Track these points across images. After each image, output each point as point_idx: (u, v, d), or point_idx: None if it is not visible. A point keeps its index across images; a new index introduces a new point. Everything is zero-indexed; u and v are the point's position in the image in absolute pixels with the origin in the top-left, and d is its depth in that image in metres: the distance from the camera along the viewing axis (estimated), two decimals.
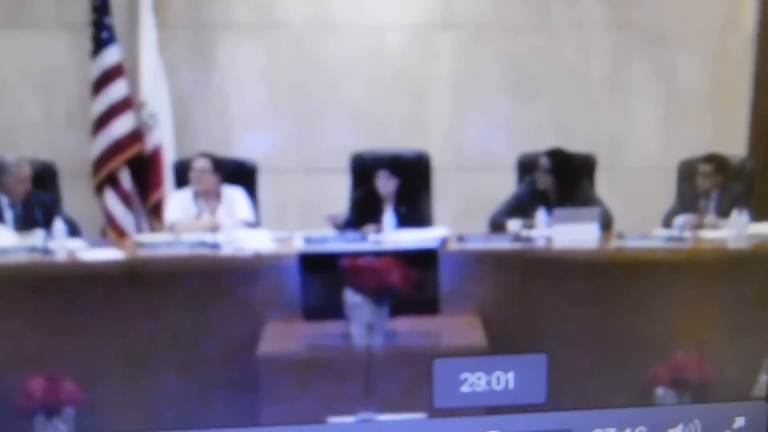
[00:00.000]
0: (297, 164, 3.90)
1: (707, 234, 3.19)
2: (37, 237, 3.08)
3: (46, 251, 2.94)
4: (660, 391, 2.34)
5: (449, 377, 2.11)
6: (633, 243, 2.99)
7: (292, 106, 3.90)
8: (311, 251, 2.96)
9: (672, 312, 2.52)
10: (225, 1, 3.83)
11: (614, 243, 3.04)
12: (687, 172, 3.48)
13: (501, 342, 2.61)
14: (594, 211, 3.13)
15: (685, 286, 2.58)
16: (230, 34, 3.86)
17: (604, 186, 3.54)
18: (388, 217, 3.26)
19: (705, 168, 3.38)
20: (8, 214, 3.24)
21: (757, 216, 3.06)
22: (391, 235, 3.17)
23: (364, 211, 3.38)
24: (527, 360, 2.12)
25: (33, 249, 2.97)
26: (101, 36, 3.72)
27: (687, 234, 3.08)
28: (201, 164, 3.38)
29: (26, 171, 3.30)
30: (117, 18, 3.73)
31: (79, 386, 2.43)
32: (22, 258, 2.92)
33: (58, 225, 3.02)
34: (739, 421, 2.09)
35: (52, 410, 2.37)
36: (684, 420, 2.08)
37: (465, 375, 2.11)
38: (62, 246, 2.97)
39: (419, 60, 3.92)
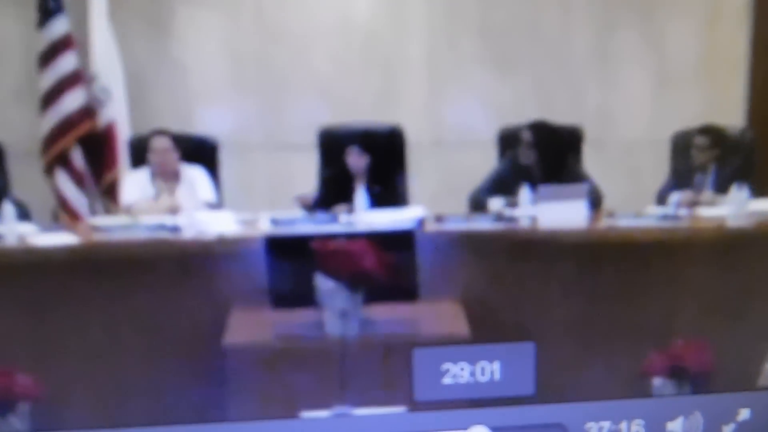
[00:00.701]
0: (261, 141, 3.81)
1: (704, 211, 3.14)
2: None
3: None
4: (657, 381, 2.27)
5: (430, 368, 2.04)
6: (624, 222, 2.95)
7: (255, 78, 3.79)
8: (278, 234, 2.93)
9: (668, 296, 2.48)
10: None
11: (604, 222, 3.00)
12: (681, 146, 3.42)
13: (485, 330, 2.52)
14: (581, 187, 3.08)
15: (682, 268, 2.54)
16: (187, 1, 3.74)
17: (591, 161, 3.47)
18: (360, 196, 3.21)
19: (700, 140, 3.32)
20: None
21: (758, 191, 3.01)
22: (364, 216, 3.13)
23: (334, 190, 3.32)
24: (513, 349, 2.04)
25: None
26: (48, 5, 3.59)
27: (683, 212, 3.05)
28: (159, 143, 3.32)
29: None
30: None
31: (34, 380, 2.33)
32: None
33: (7, 208, 2.97)
34: (744, 413, 2.02)
35: (5, 405, 2.25)
36: (684, 412, 2.01)
37: (447, 365, 2.04)
38: (12, 230, 2.91)
39: (391, 28, 3.83)
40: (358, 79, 3.82)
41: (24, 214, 3.12)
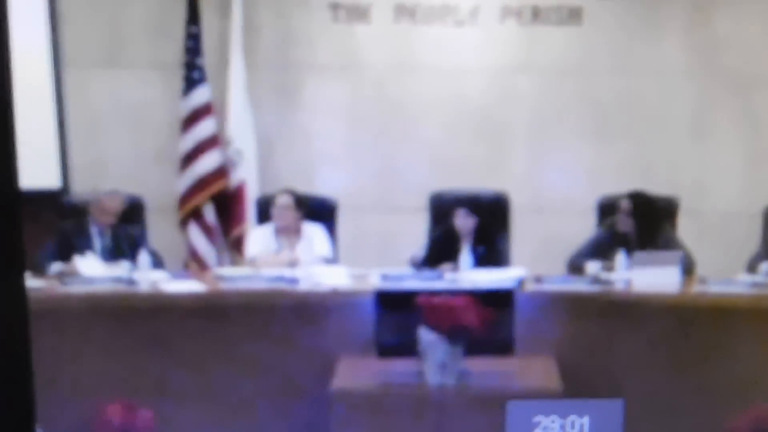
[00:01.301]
0: (376, 202, 3.94)
1: None
2: (122, 268, 3.15)
3: (130, 282, 3.02)
4: None
5: (522, 420, 2.04)
6: (716, 288, 2.92)
7: (373, 145, 3.96)
8: (387, 288, 2.98)
9: (756, 361, 2.44)
10: (311, 44, 3.91)
11: (696, 288, 2.98)
12: None
13: (576, 385, 2.58)
14: (675, 255, 3.07)
15: None
16: (315, 74, 3.94)
17: (686, 230, 3.46)
18: (465, 256, 3.26)
19: None
20: (97, 245, 3.30)
21: None
22: (468, 275, 3.16)
23: (441, 249, 3.36)
24: (603, 405, 2.03)
25: (118, 279, 3.05)
26: (192, 76, 3.85)
27: None
28: (283, 201, 3.40)
29: (117, 203, 3.38)
30: (208, 59, 3.86)
31: (155, 415, 2.48)
32: (107, 288, 3.00)
33: (143, 257, 3.11)
34: None
35: None
36: None
37: (539, 418, 2.04)
38: (146, 277, 3.04)
39: (499, 102, 3.93)
40: (467, 148, 3.93)
41: (158, 263, 3.29)
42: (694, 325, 2.67)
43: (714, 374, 2.48)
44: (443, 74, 3.91)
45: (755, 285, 2.91)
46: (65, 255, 3.19)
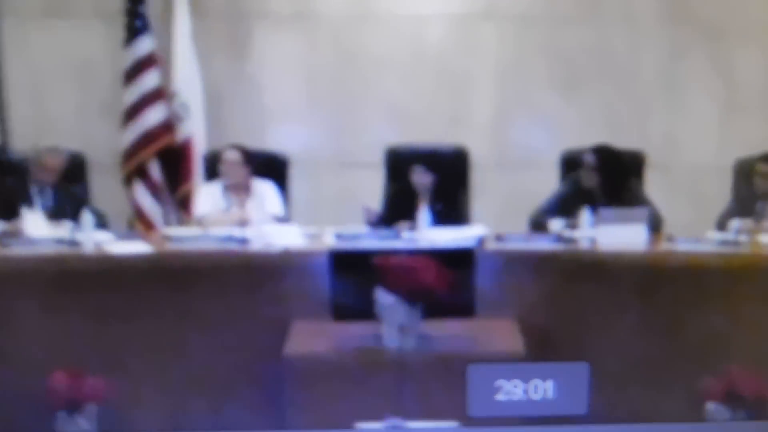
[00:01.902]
0: (331, 158, 3.87)
1: (765, 238, 3.03)
2: (65, 228, 3.06)
3: (73, 243, 2.94)
4: (712, 406, 2.24)
5: (484, 384, 2.02)
6: (684, 246, 2.88)
7: (328, 98, 3.86)
8: (342, 248, 2.91)
9: (726, 322, 2.42)
10: None
11: (663, 246, 2.94)
12: (744, 172, 3.34)
13: (540, 349, 2.55)
14: (642, 211, 3.02)
15: (741, 295, 2.49)
16: (266, 24, 3.82)
17: (653, 185, 3.43)
18: (423, 214, 3.19)
19: (764, 168, 3.24)
20: (38, 204, 3.24)
21: None
22: (426, 233, 3.11)
23: (398, 207, 3.32)
24: (568, 368, 2.01)
25: (61, 241, 2.96)
26: (135, 25, 3.72)
27: (743, 238, 2.94)
28: (231, 156, 3.36)
29: (59, 160, 3.33)
30: (151, 7, 3.73)
31: (102, 382, 2.42)
32: (50, 250, 2.91)
33: (87, 217, 3.01)
34: None
35: (74, 406, 2.36)
36: None
37: (500, 382, 2.02)
38: (90, 238, 2.95)
39: (461, 52, 3.85)
40: (427, 101, 3.85)
41: (102, 222, 3.19)
42: (661, 285, 2.64)
43: (682, 335, 2.46)
44: (402, 22, 3.81)
45: (724, 243, 2.88)
46: (6, 215, 3.10)
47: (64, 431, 2.34)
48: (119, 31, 3.71)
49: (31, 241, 2.96)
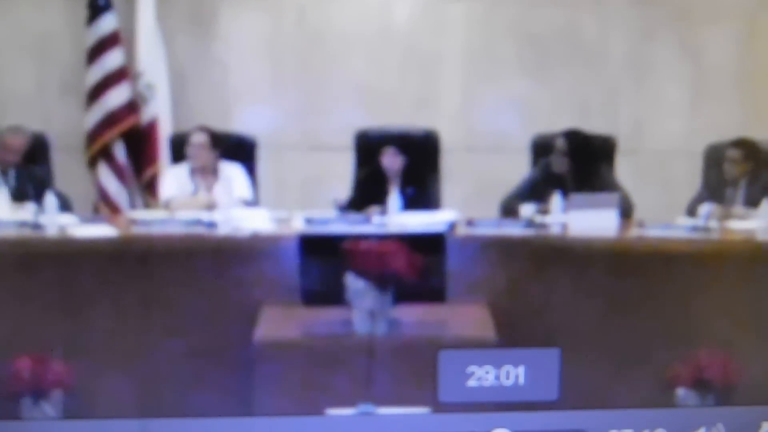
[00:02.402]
0: (299, 141, 3.83)
1: (734, 224, 3.07)
2: (28, 211, 3.02)
3: (36, 226, 2.90)
4: (681, 391, 2.24)
5: (455, 370, 2.00)
6: (654, 232, 2.88)
7: (295, 79, 3.82)
8: (311, 233, 2.90)
9: (695, 307, 2.44)
10: None
11: (634, 232, 2.94)
12: (714, 158, 3.36)
13: (511, 334, 2.53)
14: (613, 197, 3.04)
15: (710, 280, 2.50)
16: (232, 3, 3.78)
17: (624, 171, 3.44)
18: (394, 198, 3.20)
19: (733, 153, 3.25)
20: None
21: None
22: (397, 218, 3.10)
23: (368, 191, 3.31)
24: (539, 354, 2.00)
25: (23, 224, 2.93)
26: (97, 2, 3.66)
27: (713, 224, 2.96)
28: (198, 139, 3.31)
29: (21, 141, 3.28)
30: None
31: (68, 368, 2.37)
32: (11, 233, 2.89)
33: (50, 199, 2.97)
34: (766, 426, 1.96)
35: (38, 392, 2.29)
36: (706, 423, 1.98)
37: (472, 368, 2.01)
38: (54, 221, 2.92)
39: (429, 33, 3.83)
40: (396, 83, 3.82)
41: (65, 205, 3.15)
42: (631, 271, 2.65)
43: (653, 321, 2.47)
44: (369, 2, 3.78)
45: (695, 229, 2.89)
46: None
47: (29, 417, 2.29)
48: (82, 8, 3.65)
49: None
